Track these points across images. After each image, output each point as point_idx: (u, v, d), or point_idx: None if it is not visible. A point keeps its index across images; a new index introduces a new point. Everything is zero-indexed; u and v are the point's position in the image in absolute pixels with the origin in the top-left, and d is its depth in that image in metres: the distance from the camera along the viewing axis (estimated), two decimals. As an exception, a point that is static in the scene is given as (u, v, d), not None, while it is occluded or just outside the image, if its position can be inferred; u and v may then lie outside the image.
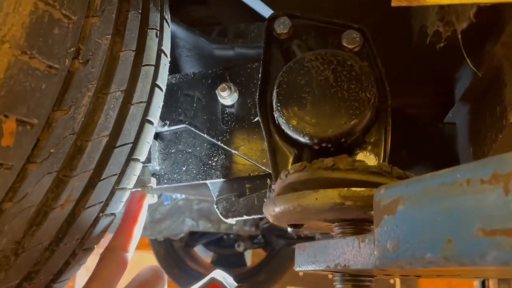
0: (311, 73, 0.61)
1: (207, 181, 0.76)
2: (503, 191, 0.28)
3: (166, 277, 0.63)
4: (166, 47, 0.62)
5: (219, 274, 0.67)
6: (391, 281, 3.29)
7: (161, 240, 2.44)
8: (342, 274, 0.50)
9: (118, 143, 0.53)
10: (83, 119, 0.47)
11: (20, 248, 0.47)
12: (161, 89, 0.61)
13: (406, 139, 0.82)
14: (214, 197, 0.77)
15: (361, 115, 0.59)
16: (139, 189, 0.76)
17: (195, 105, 0.75)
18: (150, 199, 0.76)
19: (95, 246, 0.60)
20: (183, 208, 2.01)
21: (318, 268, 0.49)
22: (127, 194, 0.60)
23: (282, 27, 0.67)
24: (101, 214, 0.56)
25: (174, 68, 0.86)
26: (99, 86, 0.48)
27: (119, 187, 0.57)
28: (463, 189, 0.31)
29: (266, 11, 0.82)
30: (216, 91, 0.72)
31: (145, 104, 0.57)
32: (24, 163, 0.42)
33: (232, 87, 0.71)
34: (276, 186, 0.57)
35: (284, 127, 0.61)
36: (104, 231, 0.59)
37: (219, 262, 2.76)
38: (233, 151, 0.72)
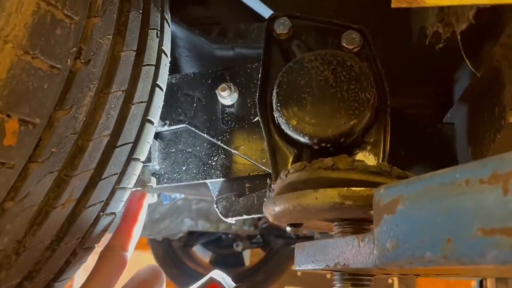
0: (311, 74, 0.61)
1: (207, 181, 0.76)
2: (502, 191, 0.28)
3: (164, 276, 0.63)
4: (167, 47, 0.63)
5: (217, 274, 0.67)
6: (389, 280, 3.29)
7: (159, 240, 2.44)
8: (342, 273, 0.50)
9: (119, 143, 0.53)
10: (84, 118, 0.47)
11: (21, 247, 0.47)
12: (161, 89, 0.61)
13: (405, 139, 0.83)
14: (214, 197, 0.77)
15: (360, 116, 0.59)
16: (139, 188, 0.76)
17: (195, 105, 0.76)
18: (150, 198, 0.76)
19: (96, 245, 0.60)
20: (182, 208, 2.01)
21: (317, 267, 0.49)
22: (127, 194, 0.61)
23: (282, 27, 0.67)
24: (101, 213, 0.56)
25: (174, 68, 0.86)
26: (101, 86, 0.48)
27: (120, 186, 0.57)
28: (462, 189, 0.31)
29: (266, 12, 0.82)
30: (216, 91, 0.72)
31: (145, 104, 0.57)
32: (26, 163, 0.42)
33: (232, 87, 0.71)
34: (276, 185, 0.57)
35: (284, 127, 0.62)
36: (105, 230, 0.59)
37: (218, 262, 2.76)
38: (233, 150, 0.72)
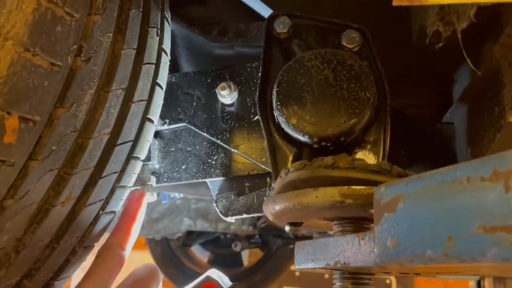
0: (311, 72, 0.61)
1: (207, 180, 0.76)
2: (503, 188, 0.28)
3: (161, 275, 0.63)
4: (167, 45, 0.63)
5: (214, 273, 0.67)
6: (387, 281, 3.29)
7: (158, 239, 2.44)
8: (342, 272, 0.50)
9: (119, 141, 0.53)
10: (84, 116, 0.47)
11: (21, 246, 0.47)
12: (161, 87, 0.61)
13: (404, 139, 0.83)
14: (214, 196, 0.77)
15: (360, 114, 0.59)
16: (139, 187, 0.76)
17: (194, 104, 0.76)
18: (150, 197, 0.76)
19: (95, 244, 0.60)
20: (181, 208, 2.01)
21: (317, 266, 0.49)
22: (127, 192, 0.60)
23: (282, 26, 0.67)
24: (101, 212, 0.56)
25: (174, 67, 0.86)
26: (101, 84, 0.48)
27: (120, 185, 0.57)
28: (463, 187, 0.31)
29: (266, 12, 0.82)
30: (216, 90, 0.72)
31: (145, 102, 0.57)
32: (26, 160, 0.42)
33: (232, 86, 0.71)
34: (276, 184, 0.57)
35: (284, 126, 0.62)
36: (104, 229, 0.59)
37: (216, 262, 2.76)
38: (232, 149, 0.72)
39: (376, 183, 0.41)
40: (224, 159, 0.74)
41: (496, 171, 0.29)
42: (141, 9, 0.53)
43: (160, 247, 2.58)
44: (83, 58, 0.45)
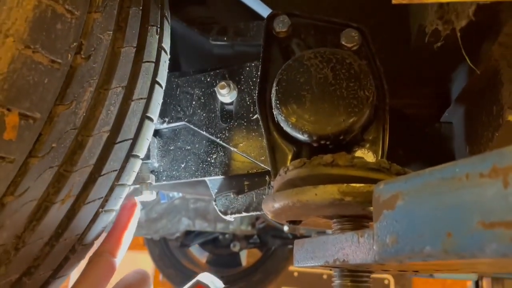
0: (310, 71, 0.62)
1: (206, 178, 0.76)
2: (502, 184, 0.28)
3: (151, 280, 0.63)
4: (166, 44, 0.63)
5: (205, 277, 0.67)
6: (385, 281, 3.30)
7: (157, 239, 2.44)
8: (341, 270, 0.51)
9: (119, 139, 0.53)
10: (84, 114, 0.47)
11: (20, 243, 0.47)
12: (161, 86, 0.61)
13: (403, 139, 0.83)
14: (213, 194, 0.77)
15: (359, 113, 0.59)
16: (138, 186, 0.76)
17: (194, 102, 0.76)
18: (149, 195, 0.76)
19: (94, 242, 0.60)
20: (180, 207, 2.01)
21: (317, 264, 0.49)
22: (126, 190, 0.61)
23: (281, 25, 0.67)
24: (100, 209, 0.56)
25: (174, 65, 0.86)
26: (101, 82, 0.48)
27: (119, 183, 0.57)
28: (462, 183, 0.31)
29: (265, 11, 0.82)
30: (215, 89, 0.72)
31: (145, 100, 0.57)
32: (26, 157, 0.42)
33: (231, 85, 0.71)
34: (275, 182, 0.57)
35: (283, 124, 0.62)
36: (104, 227, 0.59)
37: (215, 262, 2.76)
38: (232, 148, 0.72)
39: (375, 181, 0.41)
40: (223, 157, 0.74)
41: (495, 167, 0.29)
42: (140, 8, 0.54)
43: (158, 247, 2.58)
44: (83, 56, 0.45)
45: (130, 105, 0.53)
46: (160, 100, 0.62)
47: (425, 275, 2.04)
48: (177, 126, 0.78)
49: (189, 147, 0.77)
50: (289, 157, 0.64)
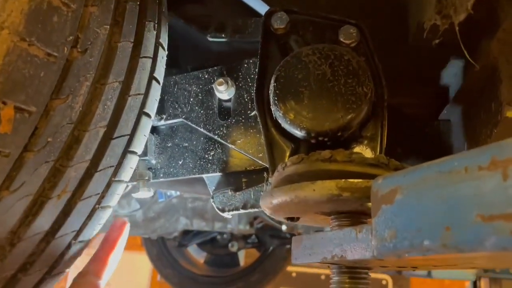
0: (308, 68, 0.61)
1: (204, 175, 0.76)
2: (501, 176, 0.28)
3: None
4: (164, 40, 0.62)
5: None
6: (383, 282, 3.30)
7: (154, 239, 2.43)
8: (339, 267, 0.50)
9: (115, 135, 0.53)
10: (80, 108, 0.47)
11: (15, 238, 0.46)
12: (158, 82, 0.61)
13: (401, 137, 0.83)
14: (211, 192, 0.77)
15: (357, 110, 0.59)
16: (135, 183, 0.76)
17: (191, 99, 0.75)
18: (146, 193, 0.76)
19: (91, 238, 0.60)
20: (177, 207, 2.00)
21: (315, 260, 0.49)
22: (123, 187, 0.60)
23: (279, 22, 0.67)
24: (97, 206, 0.55)
25: (171, 62, 0.86)
26: (97, 76, 0.48)
27: (116, 179, 0.57)
28: (461, 176, 0.31)
29: (263, 9, 0.82)
30: (213, 86, 0.72)
31: (142, 96, 0.56)
32: (22, 151, 0.42)
33: (229, 82, 0.71)
34: (273, 179, 0.57)
35: (281, 121, 0.61)
36: (100, 223, 0.59)
37: (213, 262, 2.75)
38: (229, 145, 0.72)
39: (373, 177, 0.41)
40: (221, 154, 0.74)
41: (494, 160, 0.29)
42: (138, 3, 0.53)
43: (156, 247, 2.57)
44: (79, 49, 0.44)
45: (127, 100, 0.53)
46: (158, 96, 0.62)
47: (423, 275, 2.04)
48: (175, 123, 0.78)
49: (186, 144, 0.77)
50: (287, 153, 0.63)
